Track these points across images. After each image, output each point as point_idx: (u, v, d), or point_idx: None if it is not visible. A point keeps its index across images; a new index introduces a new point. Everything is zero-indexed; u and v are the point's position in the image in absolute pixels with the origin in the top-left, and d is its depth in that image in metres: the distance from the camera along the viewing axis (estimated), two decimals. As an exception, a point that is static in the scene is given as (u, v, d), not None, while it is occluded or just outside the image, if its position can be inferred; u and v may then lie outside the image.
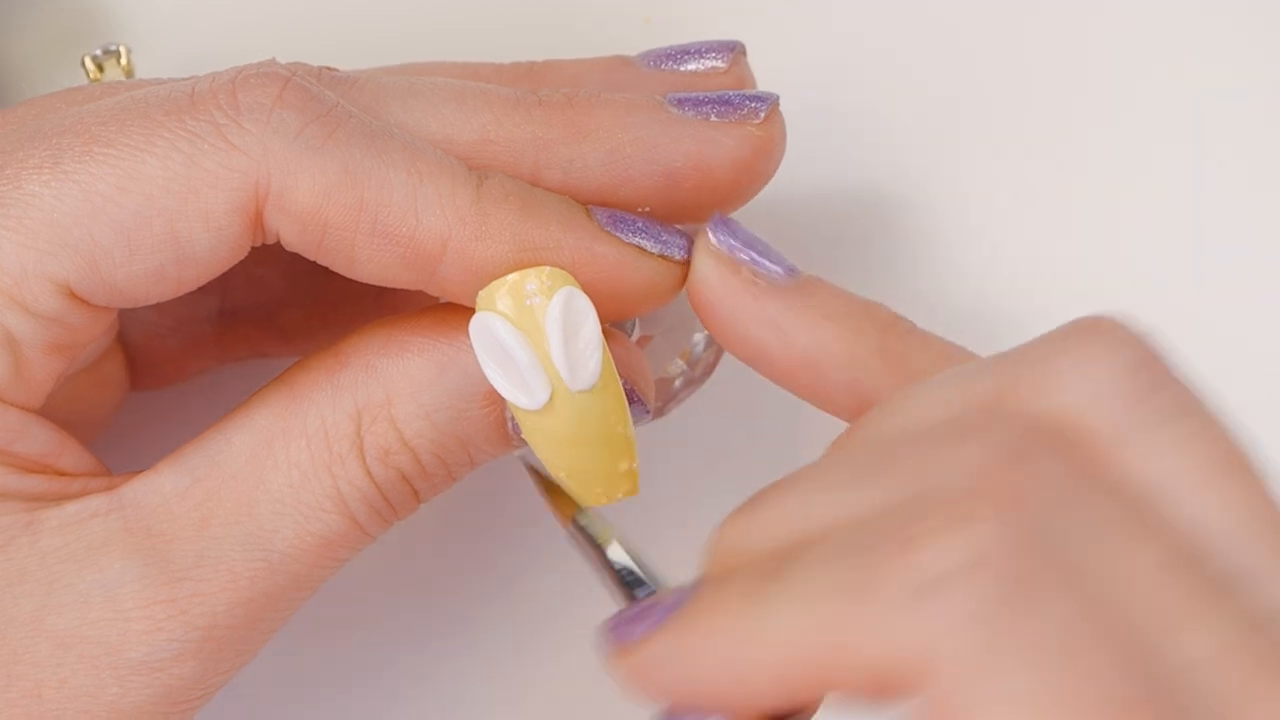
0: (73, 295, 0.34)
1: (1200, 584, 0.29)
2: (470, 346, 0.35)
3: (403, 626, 0.44)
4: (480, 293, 0.34)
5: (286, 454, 0.35)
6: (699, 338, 0.40)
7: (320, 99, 0.34)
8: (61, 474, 0.35)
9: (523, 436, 0.35)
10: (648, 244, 0.35)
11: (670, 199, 0.36)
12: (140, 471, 0.36)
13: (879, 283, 0.44)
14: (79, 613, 0.34)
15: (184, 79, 0.36)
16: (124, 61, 0.43)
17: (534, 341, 0.34)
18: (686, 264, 0.36)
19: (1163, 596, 0.29)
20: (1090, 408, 0.30)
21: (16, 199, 0.33)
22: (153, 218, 0.33)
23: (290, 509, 0.35)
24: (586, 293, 0.35)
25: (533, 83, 0.38)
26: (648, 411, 0.37)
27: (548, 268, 0.34)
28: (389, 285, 0.35)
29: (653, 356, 0.41)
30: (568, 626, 0.44)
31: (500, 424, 0.36)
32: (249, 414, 0.36)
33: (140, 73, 0.45)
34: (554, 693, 0.43)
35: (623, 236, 0.35)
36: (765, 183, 0.37)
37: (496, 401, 0.36)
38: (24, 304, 0.34)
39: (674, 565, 0.44)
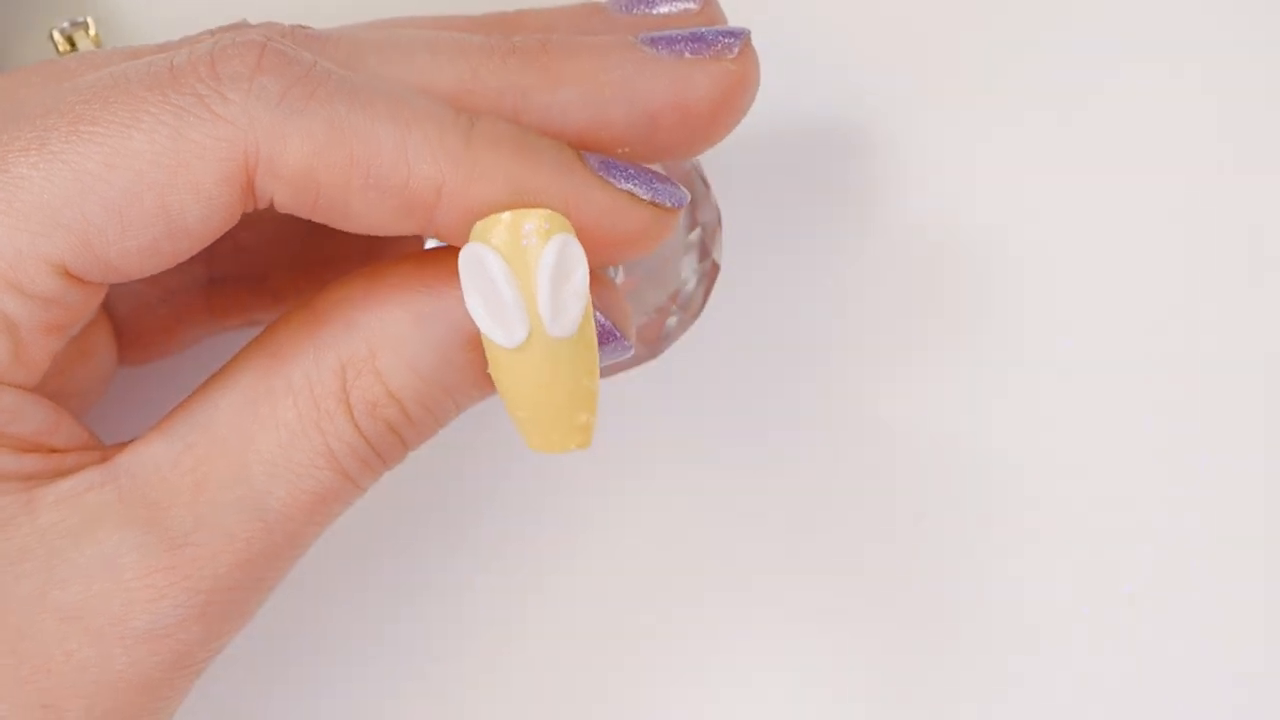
0: (68, 274, 0.34)
1: None
2: (450, 294, 0.36)
3: (398, 603, 0.45)
4: (477, 224, 0.34)
5: (274, 414, 0.36)
6: (687, 275, 0.40)
7: (298, 60, 0.34)
8: (55, 450, 0.35)
9: (488, 371, 0.36)
10: (639, 190, 0.36)
11: (649, 139, 0.36)
12: (131, 442, 0.36)
13: (851, 217, 0.44)
14: (82, 586, 0.34)
15: (160, 52, 0.36)
16: (92, 33, 0.44)
17: (522, 281, 0.34)
18: (675, 212, 0.36)
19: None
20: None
21: (6, 182, 0.34)
22: (143, 193, 0.34)
23: (282, 468, 0.35)
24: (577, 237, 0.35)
25: (506, 32, 0.38)
26: (630, 349, 0.37)
27: (547, 210, 0.34)
28: (385, 234, 0.35)
29: (640, 299, 0.41)
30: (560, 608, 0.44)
31: (483, 368, 0.36)
32: (233, 376, 0.36)
33: (108, 42, 0.45)
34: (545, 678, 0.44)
35: (614, 183, 0.36)
36: (741, 118, 0.37)
37: (478, 347, 0.36)
38: (20, 286, 0.34)
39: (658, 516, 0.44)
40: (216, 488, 0.35)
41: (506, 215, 0.34)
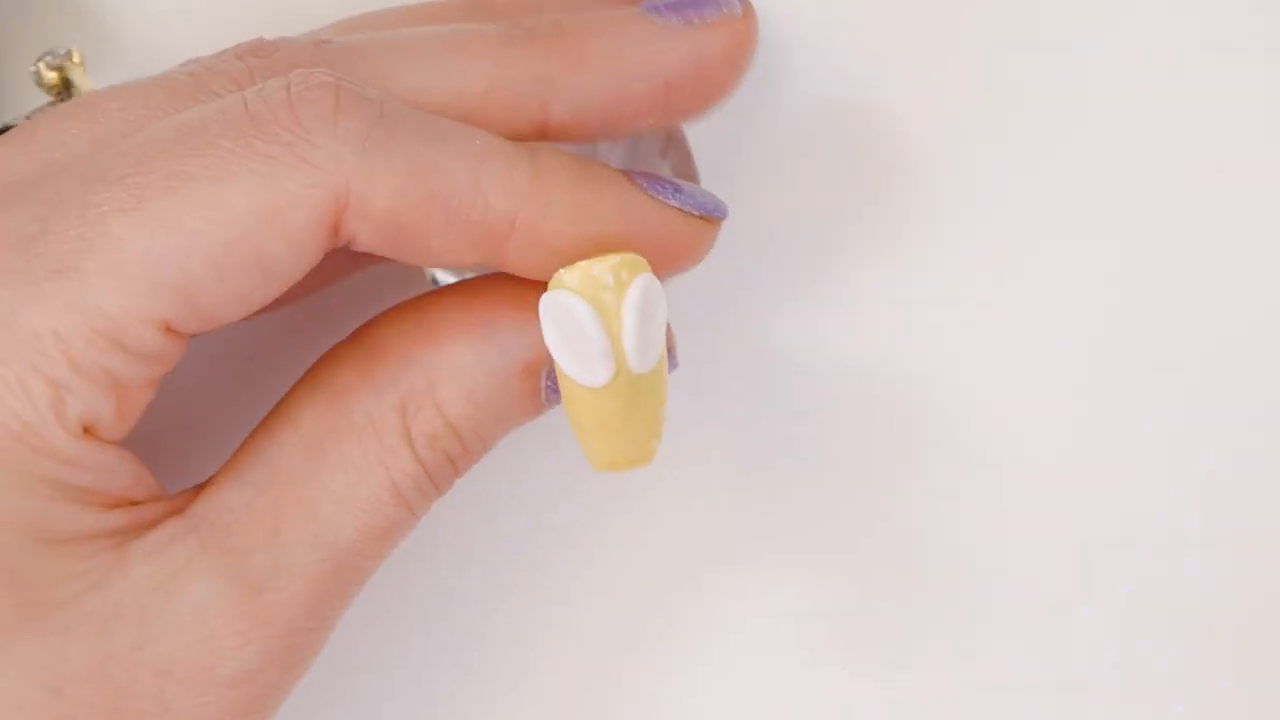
0: (169, 329, 0.34)
1: None
2: (505, 323, 0.36)
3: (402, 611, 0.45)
4: (558, 272, 0.35)
5: (339, 452, 0.36)
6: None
7: (371, 99, 0.35)
8: (135, 503, 0.35)
9: (539, 397, 0.36)
10: (688, 206, 0.37)
11: (666, 106, 0.38)
12: (202, 488, 0.36)
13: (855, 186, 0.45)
14: (173, 638, 0.34)
15: (225, 97, 0.36)
16: (77, 60, 0.43)
17: (607, 323, 0.35)
18: (719, 222, 0.37)
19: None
20: None
21: (106, 243, 0.34)
22: (241, 244, 0.34)
23: (351, 506, 0.36)
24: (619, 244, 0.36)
25: (507, 13, 0.39)
26: (676, 364, 0.38)
27: (624, 254, 0.35)
28: (456, 266, 0.36)
29: None
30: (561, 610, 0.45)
31: (535, 394, 0.37)
32: (294, 416, 0.36)
33: (93, 68, 0.44)
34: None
35: (666, 200, 0.37)
36: (744, 74, 0.39)
37: (533, 374, 0.37)
38: (126, 345, 0.34)
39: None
40: (290, 530, 0.35)
41: (587, 261, 0.35)
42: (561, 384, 0.36)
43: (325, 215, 0.34)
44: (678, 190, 0.37)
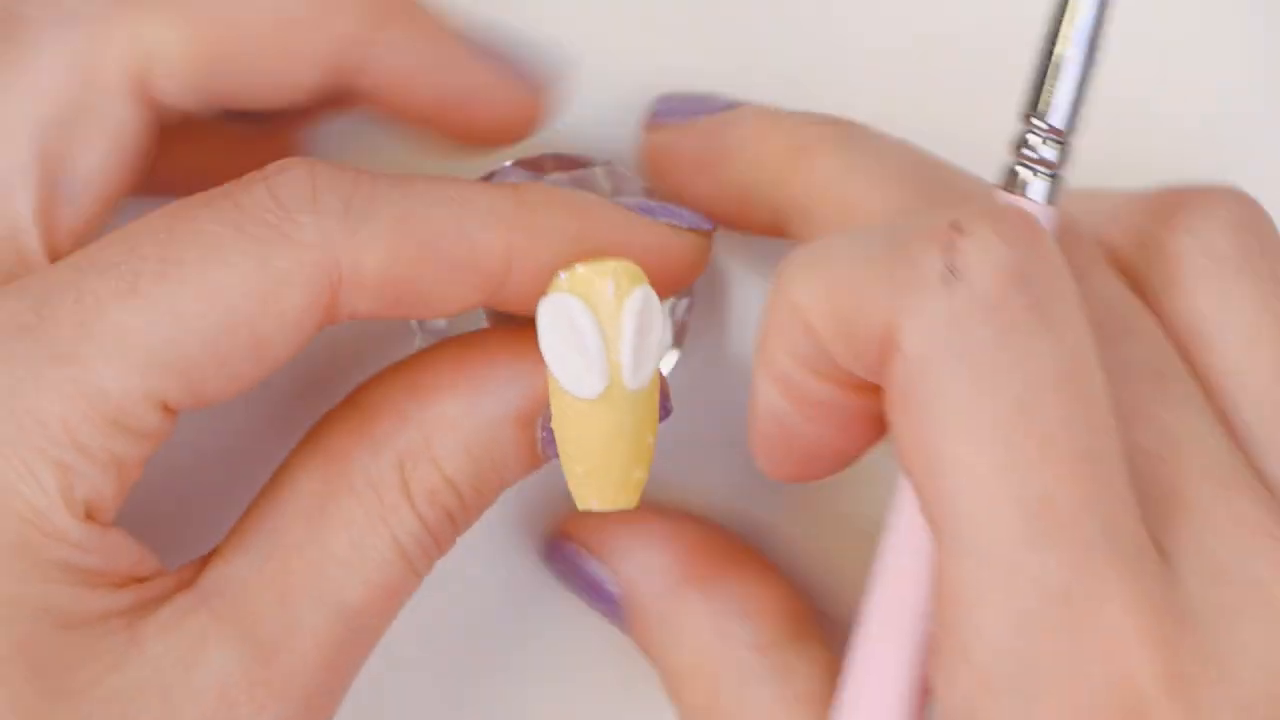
0: (167, 409, 0.35)
1: (1195, 403, 0.33)
2: (497, 375, 0.37)
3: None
4: (558, 277, 0.35)
5: (341, 514, 0.36)
6: (674, 303, 0.41)
7: (345, 169, 0.35)
8: (141, 580, 0.36)
9: (551, 425, 0.36)
10: (678, 221, 0.38)
11: None
12: (208, 560, 0.36)
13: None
14: (196, 711, 0.34)
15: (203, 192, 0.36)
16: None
17: (604, 330, 0.35)
18: (711, 234, 0.38)
19: (1151, 389, 0.33)
20: (1189, 246, 0.34)
21: (107, 328, 0.34)
22: (237, 326, 0.34)
23: (356, 566, 0.36)
24: (611, 249, 0.36)
25: None
26: (670, 412, 0.39)
27: (624, 261, 0.36)
28: (462, 311, 0.36)
29: None
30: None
31: (531, 445, 0.37)
32: (293, 481, 0.37)
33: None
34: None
35: (656, 218, 0.37)
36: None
37: (528, 424, 0.37)
38: (128, 427, 0.34)
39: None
40: (299, 595, 0.36)
41: (585, 265, 0.35)
42: (554, 403, 0.36)
43: (319, 292, 0.35)
44: (664, 208, 0.38)
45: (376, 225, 0.35)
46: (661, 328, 0.35)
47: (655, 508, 0.41)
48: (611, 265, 0.35)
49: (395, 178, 0.36)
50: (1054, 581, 0.30)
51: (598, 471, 0.36)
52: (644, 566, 0.40)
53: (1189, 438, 0.33)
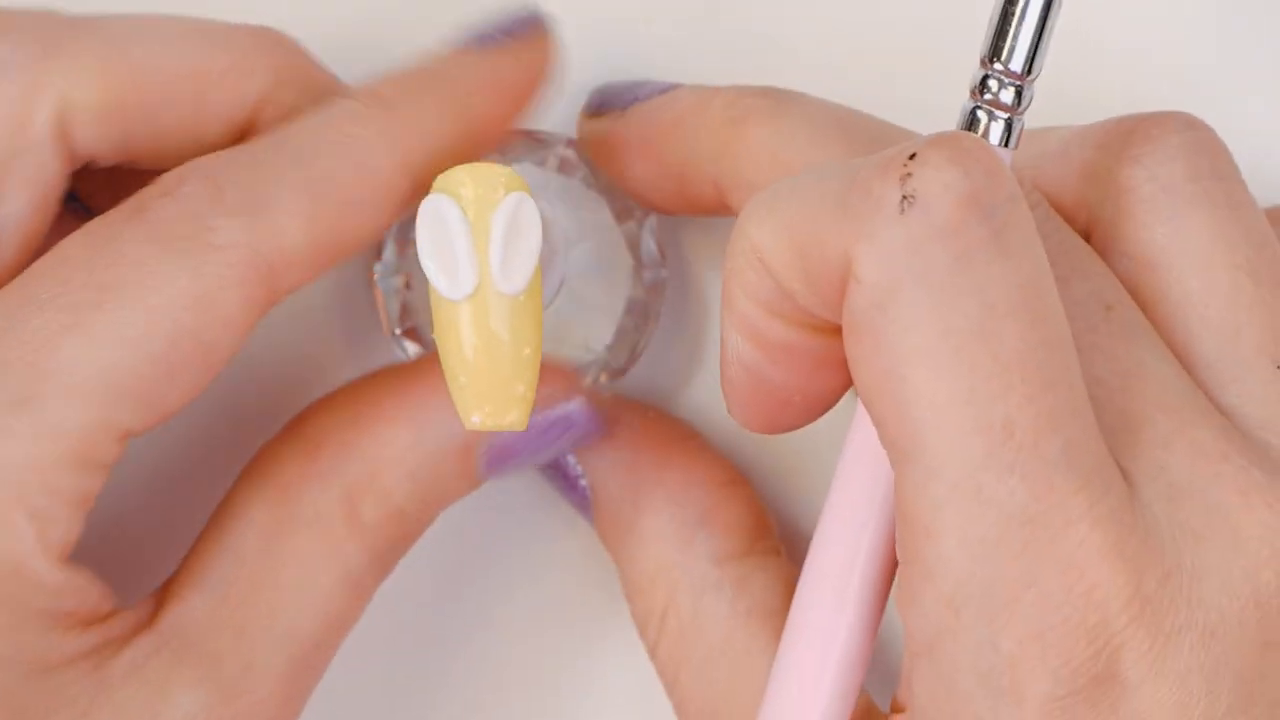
0: (128, 434, 0.35)
1: (1147, 336, 0.33)
2: (437, 404, 0.37)
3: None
4: (439, 176, 0.36)
5: (292, 548, 0.37)
6: (639, 227, 0.41)
7: (220, 156, 0.36)
8: (105, 618, 0.36)
9: (433, 335, 0.36)
10: (501, 37, 0.39)
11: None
12: (164, 598, 0.37)
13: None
14: None
15: (107, 213, 0.36)
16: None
17: (476, 234, 0.35)
18: (543, 24, 0.39)
19: (1103, 324, 0.33)
20: (1139, 176, 0.34)
21: (61, 365, 0.34)
22: (182, 339, 0.35)
23: (309, 598, 0.37)
24: (483, 104, 0.38)
25: None
26: (602, 432, 0.39)
27: (507, 169, 0.36)
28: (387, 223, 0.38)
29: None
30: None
31: (471, 470, 0.38)
32: (244, 513, 0.37)
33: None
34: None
35: (485, 47, 0.38)
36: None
37: (469, 452, 0.38)
38: (92, 461, 0.34)
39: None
40: (255, 630, 0.36)
41: (467, 167, 0.35)
42: (434, 312, 0.36)
43: (253, 286, 0.35)
44: (487, 34, 0.39)
45: (279, 192, 0.36)
46: (536, 236, 0.35)
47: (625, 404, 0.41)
48: (490, 168, 0.36)
49: (262, 139, 0.37)
50: (1017, 504, 0.30)
51: (475, 383, 0.35)
52: (610, 459, 0.40)
53: (1143, 368, 0.33)
